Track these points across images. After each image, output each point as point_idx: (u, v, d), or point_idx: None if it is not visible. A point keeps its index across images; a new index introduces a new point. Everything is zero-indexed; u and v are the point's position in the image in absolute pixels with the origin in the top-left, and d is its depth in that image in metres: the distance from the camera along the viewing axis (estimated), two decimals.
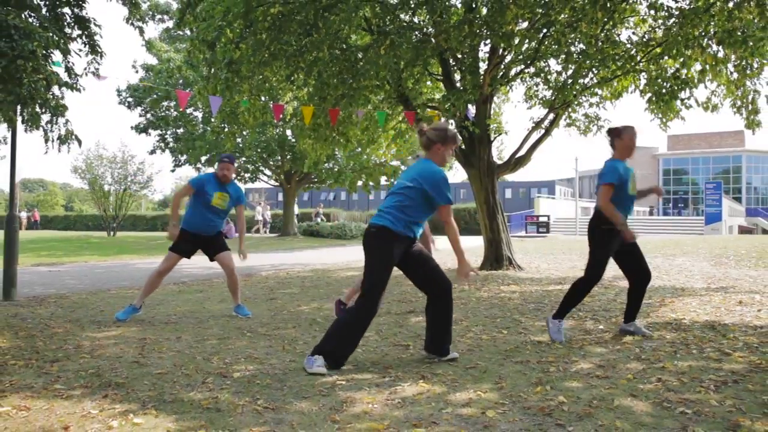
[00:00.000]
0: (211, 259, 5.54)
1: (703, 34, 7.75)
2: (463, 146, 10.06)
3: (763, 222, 42.06)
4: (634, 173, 4.25)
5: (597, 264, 4.18)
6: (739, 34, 7.08)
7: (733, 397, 2.85)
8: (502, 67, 9.58)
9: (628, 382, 3.12)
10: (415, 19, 9.97)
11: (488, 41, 9.03)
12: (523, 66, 9.58)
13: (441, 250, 6.50)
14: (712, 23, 7.48)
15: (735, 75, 8.27)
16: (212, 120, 17.84)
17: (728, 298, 6.09)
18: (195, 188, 5.31)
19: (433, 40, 8.67)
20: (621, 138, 4.19)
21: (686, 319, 4.90)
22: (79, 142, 5.85)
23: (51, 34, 5.21)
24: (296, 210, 27.95)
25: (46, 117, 5.62)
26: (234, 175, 5.56)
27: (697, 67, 8.38)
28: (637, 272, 4.34)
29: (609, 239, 4.15)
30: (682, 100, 8.43)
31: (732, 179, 59.84)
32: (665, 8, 8.18)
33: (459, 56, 9.31)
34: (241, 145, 21.33)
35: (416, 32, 9.06)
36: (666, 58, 8.37)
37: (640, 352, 3.82)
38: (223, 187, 5.38)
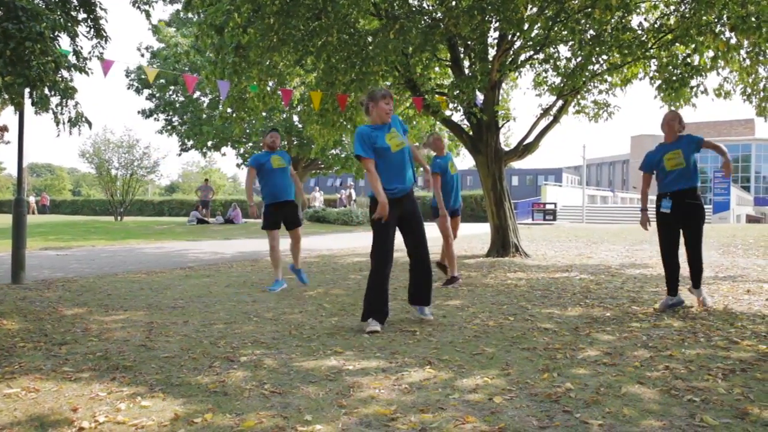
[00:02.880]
0: (288, 230, 6.43)
1: (716, 20, 7.63)
2: (471, 132, 10.00)
3: None
4: (673, 151, 4.78)
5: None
6: (753, 20, 6.97)
7: (741, 385, 2.84)
8: (512, 53, 9.48)
9: (636, 370, 3.11)
10: (425, 4, 9.87)
11: (498, 26, 8.93)
12: (532, 52, 9.48)
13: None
14: (726, 9, 7.36)
15: (747, 62, 8.16)
16: (219, 106, 17.81)
17: (736, 286, 6.06)
18: (255, 166, 6.28)
19: (442, 25, 8.58)
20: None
21: (694, 308, 4.88)
22: (90, 125, 5.84)
23: (58, 16, 5.18)
24: (320, 197, 27.27)
25: (55, 100, 5.61)
26: (279, 143, 6.52)
27: (710, 53, 8.26)
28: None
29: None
30: (692, 87, 8.32)
31: (741, 168, 59.34)
32: None
33: (468, 42, 9.21)
34: (248, 131, 21.30)
35: (425, 17, 8.96)
36: (677, 44, 8.26)
37: (647, 339, 3.81)
38: (276, 153, 6.34)
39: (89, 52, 6.39)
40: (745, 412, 2.48)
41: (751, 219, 38.46)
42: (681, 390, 2.77)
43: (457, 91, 8.59)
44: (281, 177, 6.29)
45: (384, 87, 4.37)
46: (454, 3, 8.53)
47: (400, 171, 4.24)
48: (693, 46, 7.88)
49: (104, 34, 6.45)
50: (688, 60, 8.23)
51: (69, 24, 5.50)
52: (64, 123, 5.67)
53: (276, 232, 6.33)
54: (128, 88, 23.67)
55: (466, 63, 9.94)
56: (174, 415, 2.50)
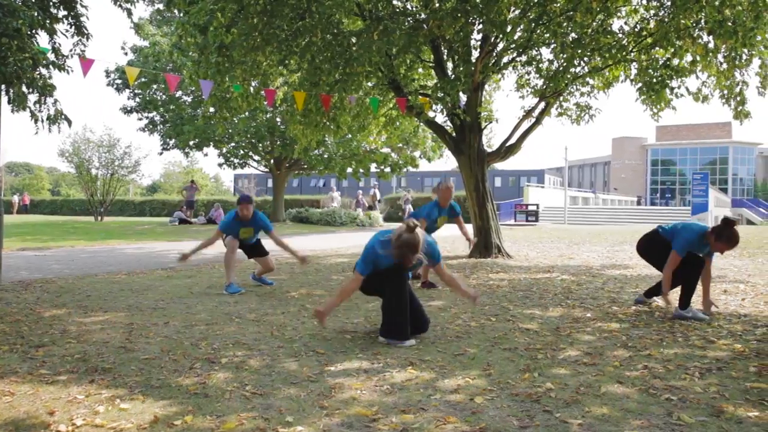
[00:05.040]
0: (251, 257, 6.44)
1: (694, 24, 7.76)
2: (454, 134, 10.04)
3: (748, 213, 42.56)
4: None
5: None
6: (729, 24, 7.10)
7: (717, 383, 2.89)
8: (494, 55, 9.55)
9: (615, 369, 3.15)
10: (408, 6, 9.89)
11: (481, 28, 8.99)
12: (515, 54, 9.56)
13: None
14: (703, 12, 7.49)
15: (725, 66, 8.31)
16: (202, 106, 17.67)
17: (713, 287, 6.14)
18: (222, 230, 6.15)
19: (425, 26, 8.61)
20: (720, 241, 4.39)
21: (672, 308, 4.95)
22: (69, 123, 5.76)
23: (35, 13, 5.09)
24: (338, 197, 26.26)
25: (33, 97, 5.52)
26: (251, 211, 6.16)
27: (688, 57, 8.41)
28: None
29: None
30: (672, 89, 8.46)
31: (719, 170, 60.42)
32: None
33: (452, 44, 9.26)
34: (230, 130, 21.14)
35: (409, 18, 8.99)
36: (657, 48, 8.39)
37: (627, 339, 3.86)
38: (245, 224, 6.13)
39: (70, 50, 6.30)
40: (721, 410, 2.53)
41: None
42: (659, 389, 2.81)
43: (441, 94, 8.62)
44: (246, 241, 6.30)
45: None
46: (437, 5, 8.57)
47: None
48: (672, 50, 8.01)
49: (85, 32, 6.36)
50: (668, 63, 8.36)
51: (47, 21, 5.41)
52: (42, 121, 5.58)
53: (235, 240, 6.17)
54: (108, 85, 23.36)
55: (450, 65, 9.98)
56: (154, 417, 2.48)
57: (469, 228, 11.08)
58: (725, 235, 4.34)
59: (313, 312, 4.06)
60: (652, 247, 4.93)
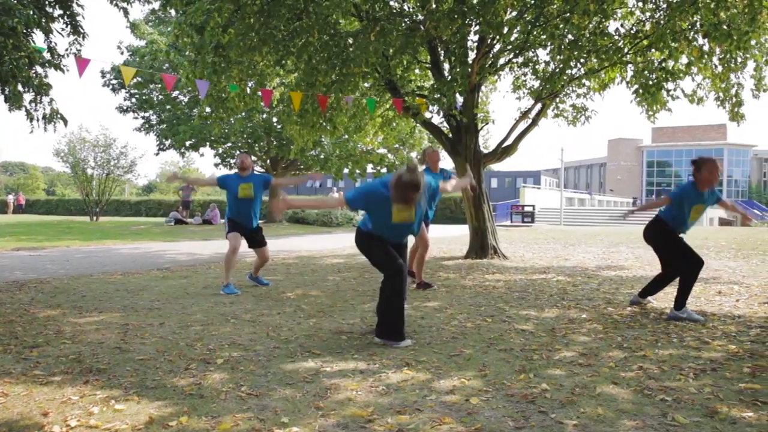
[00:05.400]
0: (252, 247, 6.31)
1: (690, 27, 7.79)
2: (450, 135, 10.05)
3: None
4: (702, 204, 4.69)
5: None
6: (725, 27, 7.13)
7: (712, 384, 2.90)
8: (491, 56, 9.56)
9: (610, 370, 3.16)
10: (405, 7, 9.90)
11: (478, 30, 9.00)
12: (511, 56, 9.57)
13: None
14: (699, 14, 7.52)
15: (720, 68, 8.34)
16: (198, 105, 17.63)
17: (708, 288, 6.18)
18: (219, 182, 6.10)
19: (422, 27, 8.61)
20: (700, 171, 4.57)
21: (667, 309, 4.96)
22: (65, 122, 5.75)
23: (31, 12, 5.08)
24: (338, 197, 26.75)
25: (29, 96, 5.51)
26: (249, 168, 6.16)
27: (684, 60, 8.44)
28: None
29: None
30: (668, 91, 8.48)
31: None
32: (653, 0, 8.21)
33: (448, 45, 9.27)
34: (226, 131, 21.11)
35: (406, 19, 8.99)
36: (653, 50, 8.41)
37: (622, 340, 3.87)
38: (245, 179, 6.04)
39: (66, 49, 6.29)
40: (715, 410, 2.53)
41: (723, 222, 39.28)
42: (654, 390, 2.82)
43: (438, 95, 8.62)
44: (247, 208, 6.09)
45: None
46: (434, 6, 8.57)
47: (398, 234, 3.95)
48: (668, 52, 8.03)
49: (81, 31, 6.35)
50: (663, 65, 8.39)
51: (43, 20, 5.40)
52: (38, 120, 5.57)
53: (238, 237, 6.12)
54: (104, 86, 23.30)
55: (446, 66, 9.99)
56: (149, 418, 2.47)
57: (465, 229, 11.09)
58: (700, 167, 4.56)
59: (282, 200, 3.93)
60: (656, 231, 4.87)
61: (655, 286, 5.04)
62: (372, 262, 3.97)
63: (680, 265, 4.70)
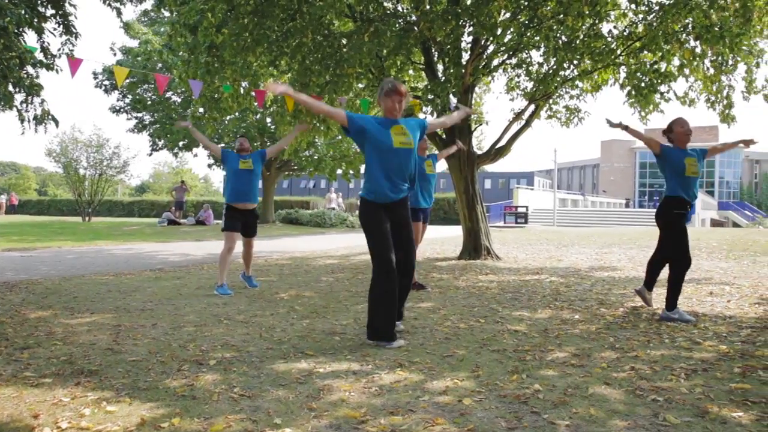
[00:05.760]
0: (244, 236, 6.36)
1: (682, 29, 7.85)
2: (444, 136, 10.07)
3: (734, 216, 43.02)
4: (693, 158, 4.70)
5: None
6: (716, 29, 7.18)
7: (703, 384, 2.92)
8: (485, 57, 9.59)
9: (603, 371, 3.17)
10: (399, 8, 9.91)
11: (471, 31, 9.02)
12: (505, 57, 9.60)
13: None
14: (691, 15, 7.57)
15: (711, 70, 8.40)
16: (191, 106, 17.57)
17: (700, 289, 6.22)
18: (222, 153, 6.36)
19: (416, 29, 8.63)
20: (673, 131, 4.76)
21: (659, 310, 4.99)
22: (56, 123, 5.72)
23: (23, 11, 5.05)
24: (336, 199, 26.60)
25: (20, 96, 5.47)
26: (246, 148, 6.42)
27: (676, 62, 8.49)
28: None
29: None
30: (661, 93, 8.54)
31: (705, 173, 61.06)
32: (645, 3, 8.26)
33: (442, 46, 9.29)
34: (220, 131, 21.05)
35: (400, 20, 9.00)
36: (645, 52, 8.46)
37: (614, 341, 3.89)
38: (244, 156, 6.26)
39: (58, 49, 6.25)
40: (706, 410, 2.55)
41: (715, 223, 39.56)
42: (646, 390, 2.83)
43: (431, 96, 8.64)
44: (247, 180, 6.21)
45: (395, 80, 3.96)
46: (428, 7, 8.58)
47: (396, 174, 3.77)
48: (660, 54, 8.09)
49: (74, 31, 6.31)
50: (656, 67, 8.44)
51: (35, 19, 5.36)
52: (29, 120, 5.53)
53: (235, 236, 6.20)
54: (96, 87, 23.19)
55: (440, 67, 10.01)
56: (140, 420, 2.46)
57: (458, 230, 11.10)
58: (671, 127, 4.79)
59: (273, 86, 3.86)
60: (667, 210, 4.80)
61: (652, 273, 5.04)
62: (368, 245, 3.81)
63: (671, 253, 4.73)
